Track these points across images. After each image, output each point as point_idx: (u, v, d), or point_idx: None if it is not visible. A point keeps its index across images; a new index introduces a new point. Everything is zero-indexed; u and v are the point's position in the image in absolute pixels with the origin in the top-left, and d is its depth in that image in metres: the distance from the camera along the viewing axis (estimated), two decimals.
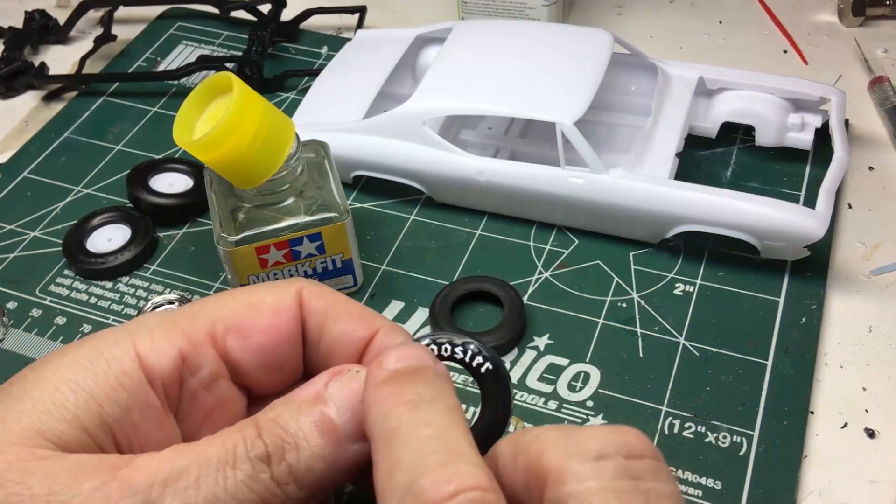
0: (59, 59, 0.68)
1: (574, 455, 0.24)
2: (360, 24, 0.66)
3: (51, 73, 0.65)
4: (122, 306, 0.49)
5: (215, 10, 0.68)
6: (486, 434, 0.29)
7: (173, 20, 0.70)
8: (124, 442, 0.28)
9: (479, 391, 0.30)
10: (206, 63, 0.62)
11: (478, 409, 0.30)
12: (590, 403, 0.43)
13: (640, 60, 0.55)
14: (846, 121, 0.56)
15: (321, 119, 0.53)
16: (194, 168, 0.55)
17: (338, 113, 0.53)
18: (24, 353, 0.47)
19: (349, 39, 0.61)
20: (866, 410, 0.42)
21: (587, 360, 0.45)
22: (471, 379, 0.38)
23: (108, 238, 0.52)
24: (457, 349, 0.29)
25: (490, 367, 0.29)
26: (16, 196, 0.56)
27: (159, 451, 0.27)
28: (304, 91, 0.61)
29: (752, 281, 0.48)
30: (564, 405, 0.43)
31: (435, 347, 0.29)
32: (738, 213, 0.46)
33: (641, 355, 0.45)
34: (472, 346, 0.29)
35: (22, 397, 0.27)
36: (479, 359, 0.29)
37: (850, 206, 0.52)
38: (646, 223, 0.48)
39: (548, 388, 0.44)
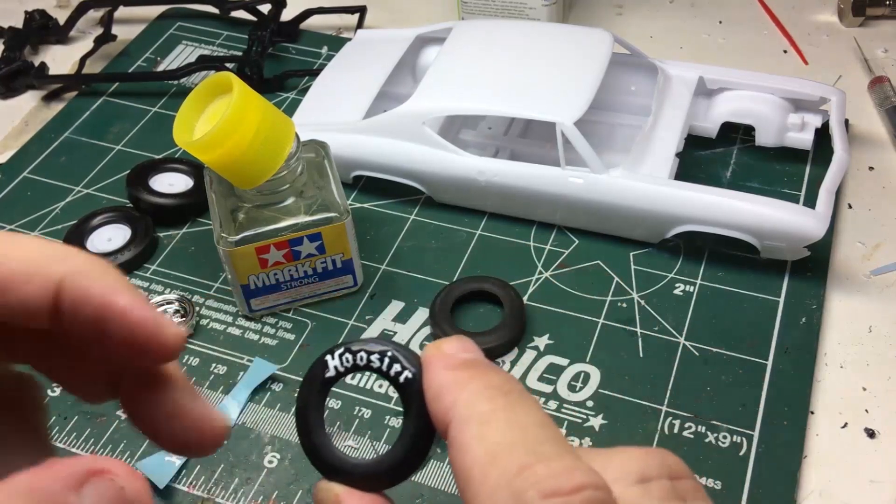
0: (59, 59, 0.68)
1: (616, 480, 0.23)
2: (360, 24, 0.66)
3: (51, 73, 0.65)
4: None
5: (215, 10, 0.68)
6: (411, 451, 0.25)
7: (173, 20, 0.70)
8: None
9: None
10: (206, 63, 0.62)
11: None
12: (590, 403, 0.43)
13: (640, 60, 0.55)
14: (846, 121, 0.56)
15: (321, 119, 0.53)
16: (194, 168, 0.55)
17: (338, 113, 0.53)
18: None
19: (349, 39, 0.61)
20: (866, 410, 0.42)
21: (587, 360, 0.45)
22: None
23: (108, 238, 0.52)
24: (373, 357, 0.26)
25: (409, 375, 0.26)
26: (16, 196, 0.56)
27: None
28: (304, 91, 0.61)
29: (752, 281, 0.48)
30: (564, 405, 0.43)
31: (350, 356, 0.26)
32: (737, 213, 0.46)
33: (641, 355, 0.45)
34: (389, 353, 0.26)
35: None
36: (396, 367, 0.26)
37: (850, 206, 0.52)
38: (646, 223, 0.48)
39: (548, 388, 0.44)
